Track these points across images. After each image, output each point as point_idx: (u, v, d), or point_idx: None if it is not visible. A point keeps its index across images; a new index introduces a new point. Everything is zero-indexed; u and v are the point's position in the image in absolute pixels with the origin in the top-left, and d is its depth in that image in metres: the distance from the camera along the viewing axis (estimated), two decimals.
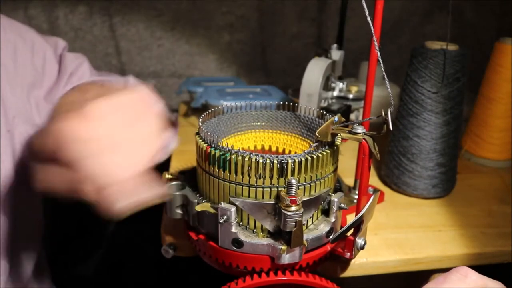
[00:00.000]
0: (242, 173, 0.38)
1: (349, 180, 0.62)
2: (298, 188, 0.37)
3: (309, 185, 0.39)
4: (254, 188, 0.38)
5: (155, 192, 0.36)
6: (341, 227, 0.41)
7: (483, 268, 0.51)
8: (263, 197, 0.39)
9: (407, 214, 0.58)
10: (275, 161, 0.37)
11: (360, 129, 0.40)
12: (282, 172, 0.38)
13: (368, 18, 0.37)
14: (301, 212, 0.36)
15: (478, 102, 0.75)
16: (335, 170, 0.43)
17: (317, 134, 0.40)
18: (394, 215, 0.58)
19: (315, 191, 0.40)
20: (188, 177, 0.47)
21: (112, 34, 1.03)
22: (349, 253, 0.42)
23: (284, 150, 0.50)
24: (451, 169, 0.62)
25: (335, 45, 0.70)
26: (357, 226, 0.40)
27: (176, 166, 0.68)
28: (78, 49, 1.02)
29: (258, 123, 0.50)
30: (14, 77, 0.48)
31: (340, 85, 0.71)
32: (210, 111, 0.47)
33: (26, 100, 0.49)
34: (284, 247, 0.38)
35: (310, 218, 0.41)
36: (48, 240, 0.68)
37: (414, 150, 0.61)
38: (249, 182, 0.38)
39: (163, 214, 0.53)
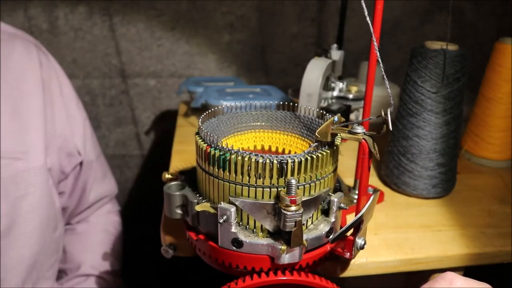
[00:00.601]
0: (242, 173, 0.38)
1: (349, 180, 0.62)
2: (298, 188, 0.37)
3: (308, 185, 0.39)
4: (254, 188, 0.38)
5: None
6: (341, 227, 0.41)
7: (483, 268, 0.51)
8: (262, 197, 0.38)
9: (407, 214, 0.58)
10: (275, 161, 0.37)
11: (360, 129, 0.40)
12: (281, 172, 0.37)
13: (368, 18, 0.37)
14: (300, 212, 0.36)
15: (478, 102, 0.75)
16: (335, 170, 0.43)
17: (317, 134, 0.40)
18: (394, 215, 0.58)
19: (314, 191, 0.40)
20: (188, 177, 0.47)
21: (112, 34, 1.03)
22: (349, 253, 0.42)
23: (284, 150, 0.50)
24: (451, 169, 0.62)
25: (335, 45, 0.70)
26: (357, 226, 0.40)
27: (176, 166, 0.68)
28: (78, 49, 1.02)
29: (258, 123, 0.50)
30: None
31: (340, 85, 0.71)
32: (210, 111, 0.47)
33: None
34: (284, 247, 0.38)
35: (309, 218, 0.41)
36: None
37: (414, 150, 0.61)
38: (248, 182, 0.38)
39: (163, 214, 0.53)
